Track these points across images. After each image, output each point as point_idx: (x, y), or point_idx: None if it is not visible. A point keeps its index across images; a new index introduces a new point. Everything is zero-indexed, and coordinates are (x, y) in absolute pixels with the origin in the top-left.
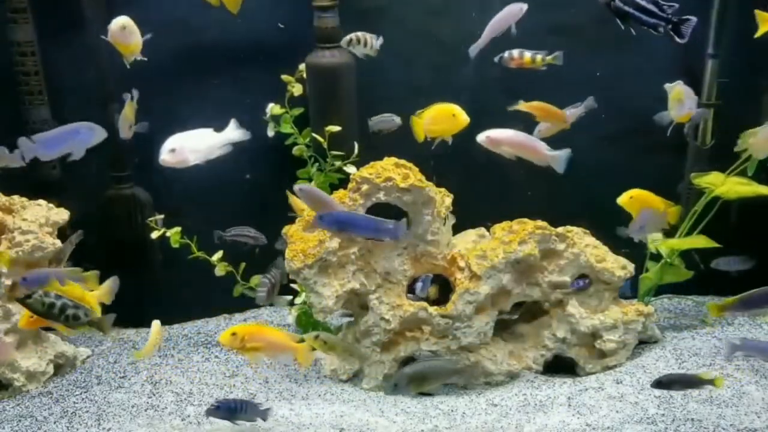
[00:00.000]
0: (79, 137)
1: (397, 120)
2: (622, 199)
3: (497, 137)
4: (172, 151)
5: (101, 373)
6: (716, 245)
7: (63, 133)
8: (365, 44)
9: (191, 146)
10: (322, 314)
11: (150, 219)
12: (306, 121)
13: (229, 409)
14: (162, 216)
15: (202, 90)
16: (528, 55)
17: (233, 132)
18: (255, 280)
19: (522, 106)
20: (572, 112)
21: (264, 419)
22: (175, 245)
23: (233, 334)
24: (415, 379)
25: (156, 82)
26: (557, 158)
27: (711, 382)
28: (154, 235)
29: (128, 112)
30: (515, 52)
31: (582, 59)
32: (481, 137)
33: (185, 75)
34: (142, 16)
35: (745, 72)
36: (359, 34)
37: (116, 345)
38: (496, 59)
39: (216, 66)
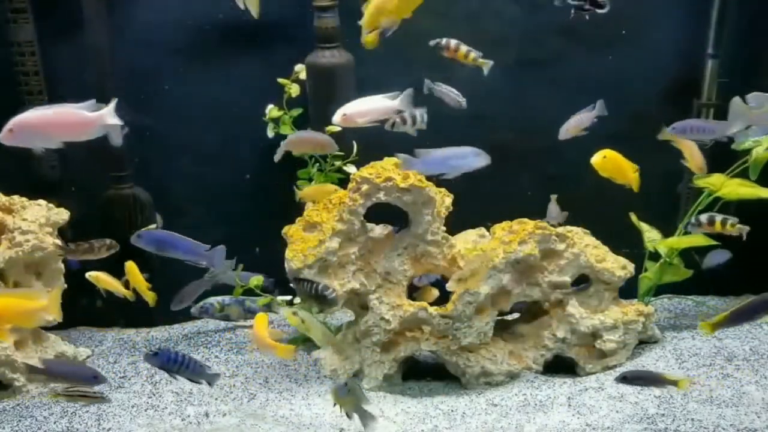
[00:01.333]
0: (467, 161)
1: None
2: (596, 160)
3: (352, 112)
4: (10, 131)
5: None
6: (715, 243)
7: (451, 155)
8: (413, 122)
9: (35, 127)
10: (322, 314)
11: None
12: (306, 121)
13: (168, 359)
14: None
15: (201, 89)
16: (464, 49)
17: (108, 116)
18: (254, 281)
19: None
20: (586, 116)
21: (210, 384)
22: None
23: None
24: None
25: (156, 81)
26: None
27: (674, 383)
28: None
29: None
30: (452, 43)
31: (582, 59)
32: (337, 118)
33: (184, 74)
34: (143, 15)
35: (745, 72)
36: (405, 114)
37: (116, 345)
38: (431, 43)
39: (216, 65)
